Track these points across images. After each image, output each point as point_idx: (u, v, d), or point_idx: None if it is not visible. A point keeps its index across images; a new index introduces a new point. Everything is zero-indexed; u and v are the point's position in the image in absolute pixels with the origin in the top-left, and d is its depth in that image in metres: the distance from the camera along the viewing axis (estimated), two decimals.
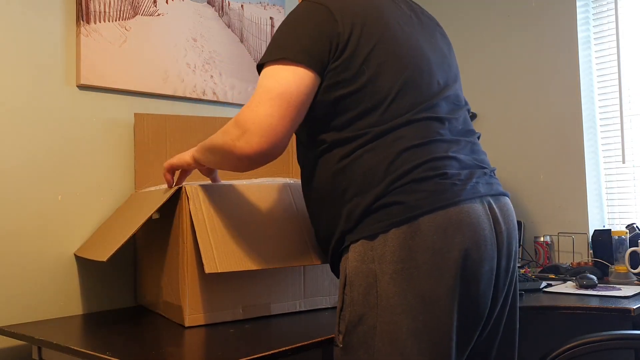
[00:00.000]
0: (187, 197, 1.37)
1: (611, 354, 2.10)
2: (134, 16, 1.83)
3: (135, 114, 1.76)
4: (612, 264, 2.06)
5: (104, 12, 1.76)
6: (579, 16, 2.37)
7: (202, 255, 1.29)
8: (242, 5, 2.14)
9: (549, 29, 2.43)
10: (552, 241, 2.37)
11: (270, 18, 2.23)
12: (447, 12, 2.72)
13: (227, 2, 2.09)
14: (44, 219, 1.63)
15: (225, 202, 1.40)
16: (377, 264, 1.05)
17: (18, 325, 1.49)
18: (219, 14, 2.06)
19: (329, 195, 1.15)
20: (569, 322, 2.27)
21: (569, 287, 1.87)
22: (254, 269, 1.33)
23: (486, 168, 1.18)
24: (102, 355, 1.14)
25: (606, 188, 2.38)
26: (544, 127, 2.44)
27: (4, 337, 1.52)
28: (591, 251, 2.21)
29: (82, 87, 1.73)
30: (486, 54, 2.62)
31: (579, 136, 2.34)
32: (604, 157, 2.38)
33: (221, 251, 1.31)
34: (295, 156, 1.54)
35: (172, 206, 1.44)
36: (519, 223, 2.38)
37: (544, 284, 1.88)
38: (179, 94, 1.93)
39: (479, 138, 1.24)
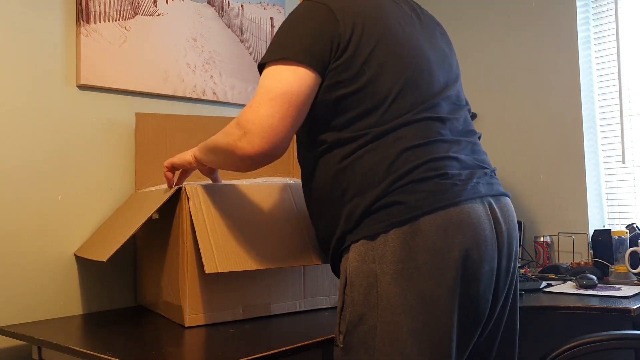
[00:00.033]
0: (187, 197, 1.37)
1: (611, 354, 2.10)
2: (134, 16, 1.83)
3: (136, 114, 1.76)
4: (612, 264, 2.06)
5: (104, 12, 1.76)
6: (579, 16, 2.37)
7: (202, 255, 1.29)
8: (242, 5, 2.14)
9: (549, 29, 2.43)
10: (552, 241, 2.37)
11: (270, 18, 2.23)
12: (446, 12, 2.72)
13: (227, 2, 2.09)
14: (44, 219, 1.63)
15: (226, 202, 1.40)
16: (377, 264, 1.05)
17: (18, 325, 1.49)
18: (219, 14, 2.06)
19: (329, 196, 1.15)
20: (569, 322, 2.27)
21: (569, 287, 1.87)
22: (254, 268, 1.33)
23: (487, 168, 1.18)
24: (102, 355, 1.14)
25: (606, 188, 2.38)
26: (544, 127, 2.44)
27: (4, 337, 1.52)
28: (591, 251, 2.21)
29: (82, 87, 1.73)
30: (486, 53, 2.62)
31: (579, 136, 2.34)
32: (604, 157, 2.38)
33: (221, 251, 1.31)
34: (296, 156, 1.54)
35: (172, 206, 1.44)
36: (519, 223, 2.38)
37: (544, 284, 1.88)
38: (179, 94, 1.93)
39: (479, 138, 1.24)
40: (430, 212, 1.05)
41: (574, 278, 1.90)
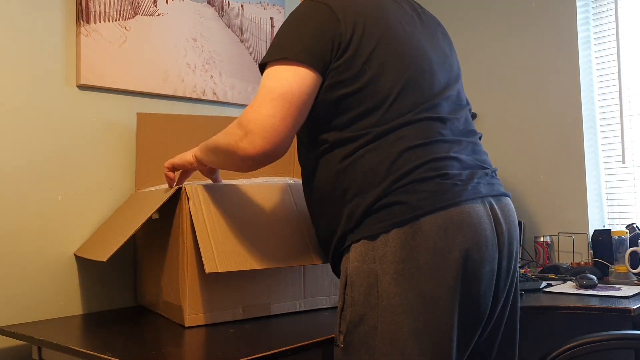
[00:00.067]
0: (187, 197, 1.37)
1: (611, 354, 2.11)
2: (134, 16, 1.83)
3: (138, 114, 1.76)
4: (612, 264, 2.06)
5: (104, 12, 1.76)
6: (579, 16, 2.37)
7: (202, 255, 1.29)
8: (242, 5, 2.14)
9: (549, 29, 2.43)
10: (552, 241, 2.37)
11: (270, 18, 2.23)
12: (447, 12, 2.72)
13: (227, 2, 2.09)
14: (44, 219, 1.63)
15: (226, 202, 1.40)
16: (378, 264, 1.05)
17: (18, 325, 1.49)
18: (219, 14, 2.06)
19: (330, 195, 1.15)
20: (569, 322, 2.27)
21: (569, 287, 1.87)
22: (254, 268, 1.33)
23: (488, 168, 1.18)
24: (102, 355, 1.14)
25: (606, 188, 2.38)
26: (544, 127, 2.44)
27: (4, 337, 1.52)
28: (591, 251, 2.21)
29: (82, 87, 1.73)
30: (486, 54, 2.62)
31: (579, 136, 2.34)
32: (604, 157, 2.38)
33: (221, 251, 1.31)
34: (296, 156, 1.54)
35: (172, 206, 1.44)
36: (519, 223, 2.38)
37: (544, 284, 1.88)
38: (179, 94, 1.93)
39: (480, 138, 1.24)
40: (431, 212, 1.05)
41: (574, 278, 1.90)
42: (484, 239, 1.08)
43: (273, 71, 1.10)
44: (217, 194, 1.40)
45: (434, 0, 2.71)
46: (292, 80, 1.08)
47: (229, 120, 1.80)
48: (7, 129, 1.58)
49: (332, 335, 1.21)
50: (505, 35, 2.56)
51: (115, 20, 1.78)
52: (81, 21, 1.70)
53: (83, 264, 1.70)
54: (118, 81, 1.78)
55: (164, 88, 1.89)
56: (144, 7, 1.85)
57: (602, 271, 2.07)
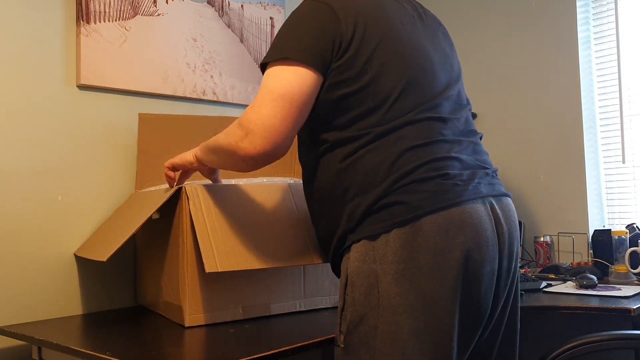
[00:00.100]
0: (187, 197, 1.37)
1: (611, 354, 2.10)
2: (134, 16, 1.83)
3: (139, 114, 1.75)
4: (612, 264, 2.06)
5: (104, 12, 1.76)
6: (579, 16, 2.37)
7: (203, 255, 1.29)
8: (242, 5, 2.14)
9: (549, 29, 2.43)
10: (552, 241, 2.37)
11: (270, 18, 2.23)
12: (447, 12, 2.72)
13: (227, 2, 2.09)
14: (44, 219, 1.63)
15: (226, 202, 1.40)
16: (378, 264, 1.05)
17: (18, 325, 1.49)
18: (219, 14, 2.06)
19: (330, 195, 1.15)
20: (569, 322, 2.27)
21: (569, 287, 1.87)
22: (254, 268, 1.33)
23: (488, 168, 1.18)
24: (102, 355, 1.14)
25: (606, 188, 2.38)
26: (544, 127, 2.44)
27: (4, 337, 1.52)
28: (591, 251, 2.21)
29: (82, 87, 1.73)
30: (486, 53, 2.62)
31: (579, 136, 2.34)
32: (604, 157, 2.38)
33: (221, 251, 1.31)
34: (297, 156, 1.54)
35: (172, 206, 1.44)
36: (519, 223, 2.37)
37: (544, 284, 1.88)
38: (179, 94, 1.93)
39: (481, 138, 1.24)
40: (431, 212, 1.05)
41: (574, 278, 1.90)
42: (484, 239, 1.08)
43: (274, 71, 1.10)
44: (217, 194, 1.40)
45: (434, 0, 2.71)
46: (293, 81, 1.08)
47: (229, 120, 1.80)
48: (7, 129, 1.58)
49: (332, 335, 1.21)
50: (505, 35, 2.56)
51: (115, 20, 1.78)
52: (81, 21, 1.70)
53: (83, 264, 1.70)
54: (118, 81, 1.78)
55: (164, 88, 1.89)
56: (144, 7, 1.85)
57: (602, 271, 2.07)
